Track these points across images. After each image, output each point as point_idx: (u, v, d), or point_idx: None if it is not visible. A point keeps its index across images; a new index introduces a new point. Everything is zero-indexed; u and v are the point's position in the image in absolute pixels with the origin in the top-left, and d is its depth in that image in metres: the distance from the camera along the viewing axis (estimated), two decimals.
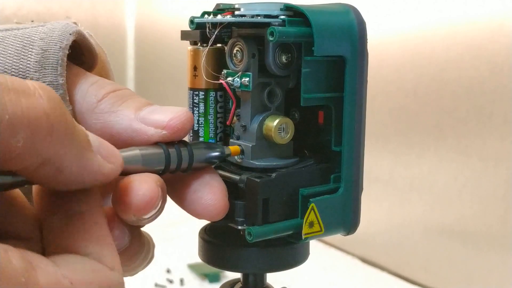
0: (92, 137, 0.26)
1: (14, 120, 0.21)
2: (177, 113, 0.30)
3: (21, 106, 0.22)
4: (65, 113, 0.23)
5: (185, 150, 0.30)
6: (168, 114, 0.30)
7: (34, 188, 0.27)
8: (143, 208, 0.28)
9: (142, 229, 0.32)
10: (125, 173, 0.28)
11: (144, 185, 0.28)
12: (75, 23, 0.32)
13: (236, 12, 0.34)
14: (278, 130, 0.35)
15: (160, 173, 0.30)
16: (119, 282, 0.26)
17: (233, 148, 0.34)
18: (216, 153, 0.32)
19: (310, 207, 0.33)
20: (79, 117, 0.31)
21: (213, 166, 0.33)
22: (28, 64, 0.30)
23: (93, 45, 0.33)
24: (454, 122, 0.80)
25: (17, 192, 0.27)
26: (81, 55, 0.33)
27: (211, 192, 0.31)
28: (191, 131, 0.37)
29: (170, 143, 0.30)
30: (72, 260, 0.25)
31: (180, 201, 0.32)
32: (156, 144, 0.30)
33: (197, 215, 0.31)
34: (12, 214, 0.27)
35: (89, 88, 0.31)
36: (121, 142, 0.30)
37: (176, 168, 0.30)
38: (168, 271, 0.89)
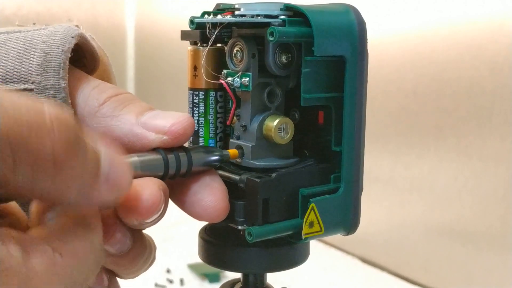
0: (105, 160, 0.24)
1: (17, 157, 0.20)
2: (178, 119, 0.30)
3: (29, 144, 0.20)
4: (77, 148, 0.22)
5: (183, 156, 0.30)
6: (169, 120, 0.30)
7: None
8: (146, 212, 0.28)
9: (143, 231, 0.32)
10: None
11: (146, 189, 0.28)
12: (77, 26, 0.32)
13: (236, 12, 0.34)
14: (278, 130, 0.35)
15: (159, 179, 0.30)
16: (99, 244, 0.25)
17: (232, 152, 0.34)
18: (215, 157, 0.32)
19: (310, 207, 0.33)
20: (81, 121, 0.31)
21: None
22: (30, 67, 0.30)
23: (95, 48, 0.33)
24: (454, 122, 0.80)
25: None
26: (82, 58, 0.33)
27: (211, 193, 0.31)
28: None
29: (169, 148, 0.30)
30: (57, 230, 0.24)
31: (181, 203, 0.32)
32: (155, 150, 0.30)
33: (198, 217, 0.31)
34: None
35: (91, 91, 0.31)
36: (122, 147, 0.30)
37: (175, 174, 0.30)
38: (168, 271, 0.89)
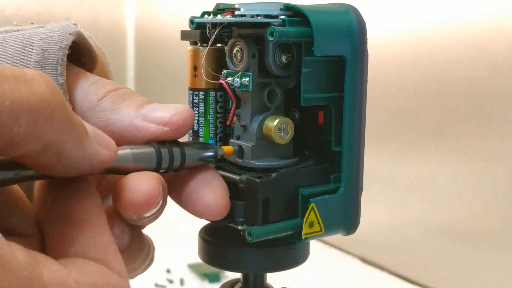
0: (87, 125, 0.26)
1: (15, 106, 0.22)
2: (178, 110, 0.30)
3: (21, 92, 0.22)
4: (64, 99, 0.24)
5: (177, 150, 0.31)
6: (169, 111, 0.30)
7: (36, 196, 0.28)
8: (144, 205, 0.28)
9: (143, 230, 0.32)
10: (116, 171, 0.29)
11: (145, 182, 0.28)
12: (75, 24, 0.33)
13: (236, 12, 0.34)
14: (278, 130, 0.35)
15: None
16: None
17: (226, 148, 0.34)
18: (209, 153, 0.32)
19: (310, 207, 0.33)
20: (80, 116, 0.31)
21: (213, 166, 0.33)
22: (28, 64, 0.30)
23: (93, 47, 0.33)
24: (454, 122, 0.80)
25: (16, 188, 0.28)
26: (81, 56, 0.33)
27: (212, 191, 0.31)
28: (191, 131, 0.37)
29: (163, 142, 0.30)
30: (79, 262, 0.25)
31: (181, 200, 0.32)
32: (148, 143, 0.30)
33: (199, 214, 0.32)
34: (11, 210, 0.27)
35: (90, 87, 0.31)
36: (122, 140, 0.30)
37: (168, 167, 0.30)
38: (168, 271, 0.89)
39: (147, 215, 0.28)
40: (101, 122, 0.30)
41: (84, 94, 0.31)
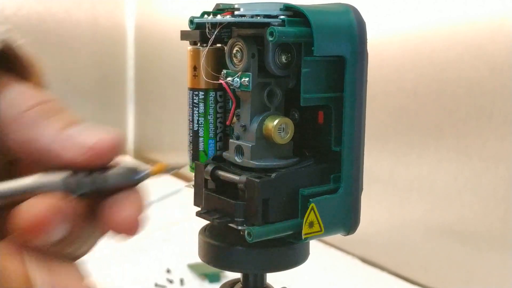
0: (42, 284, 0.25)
1: None
2: (104, 136, 0.27)
3: None
4: None
5: (92, 177, 0.28)
6: (94, 136, 0.27)
7: None
8: (33, 229, 0.25)
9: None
10: (21, 201, 0.26)
11: (35, 206, 0.25)
12: (11, 29, 0.30)
13: (236, 12, 0.34)
14: (278, 130, 0.35)
15: None
16: None
17: (156, 168, 0.29)
18: (130, 180, 0.29)
19: (310, 207, 0.33)
20: (3, 128, 0.28)
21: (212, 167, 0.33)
22: None
23: (24, 55, 0.30)
24: (454, 122, 0.80)
25: None
26: (15, 64, 0.30)
27: (126, 205, 0.28)
28: (191, 131, 0.37)
29: (81, 168, 0.27)
30: None
31: (98, 219, 0.29)
32: (64, 168, 0.27)
33: (112, 228, 0.28)
34: None
35: (17, 96, 0.29)
36: (42, 160, 0.27)
37: (82, 195, 0.27)
38: (168, 271, 0.89)
39: (44, 240, 0.25)
40: (22, 137, 0.28)
41: (9, 104, 0.28)
